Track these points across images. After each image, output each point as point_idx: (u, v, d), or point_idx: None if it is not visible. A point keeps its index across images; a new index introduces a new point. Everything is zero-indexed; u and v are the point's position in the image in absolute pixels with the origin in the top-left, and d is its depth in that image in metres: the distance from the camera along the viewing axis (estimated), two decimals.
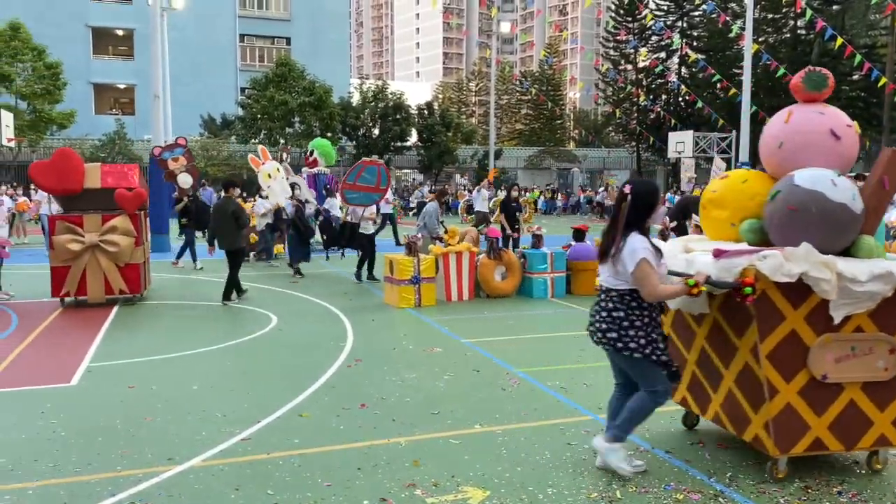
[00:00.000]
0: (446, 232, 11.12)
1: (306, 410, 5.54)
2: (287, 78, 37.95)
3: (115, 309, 9.80)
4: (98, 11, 45.88)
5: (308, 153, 18.46)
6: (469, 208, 27.88)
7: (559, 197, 40.55)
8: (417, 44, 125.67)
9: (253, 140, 38.05)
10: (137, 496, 4.05)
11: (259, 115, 37.30)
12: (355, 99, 42.61)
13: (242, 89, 45.78)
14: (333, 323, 8.99)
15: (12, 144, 30.87)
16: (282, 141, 38.01)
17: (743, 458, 4.59)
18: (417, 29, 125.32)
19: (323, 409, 5.56)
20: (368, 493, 4.09)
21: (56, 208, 14.46)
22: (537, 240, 11.22)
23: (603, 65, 47.82)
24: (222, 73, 48.14)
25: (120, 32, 46.98)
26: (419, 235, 11.73)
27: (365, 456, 4.62)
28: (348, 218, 12.81)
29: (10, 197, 21.12)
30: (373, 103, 41.14)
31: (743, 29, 27.64)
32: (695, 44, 43.94)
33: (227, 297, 10.31)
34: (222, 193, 10.76)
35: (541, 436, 4.99)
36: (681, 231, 12.83)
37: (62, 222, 9.79)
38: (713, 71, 33.65)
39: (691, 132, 35.62)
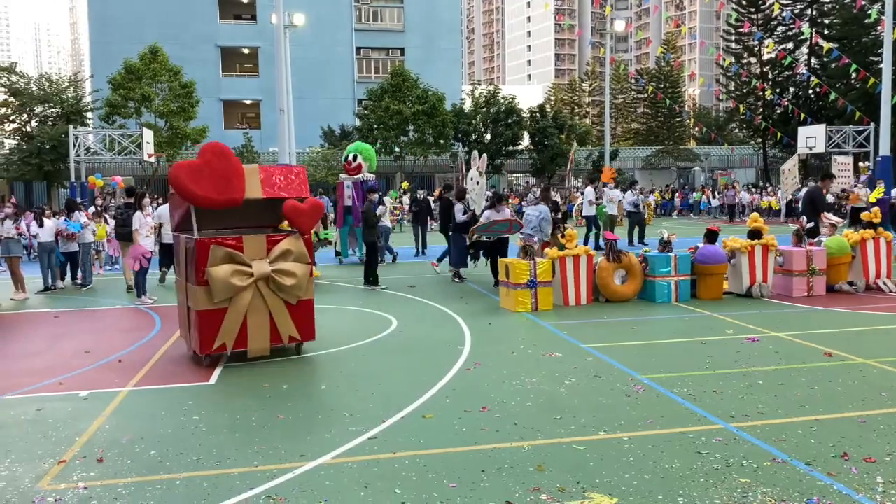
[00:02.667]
0: (563, 235, 10.97)
1: (429, 412, 5.62)
2: (401, 87, 38.88)
3: None
4: (226, 32, 48.80)
5: (351, 158, 16.44)
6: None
7: (676, 197, 39.15)
8: (528, 47, 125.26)
9: None
10: (273, 490, 4.24)
11: (375, 125, 38.37)
12: (467, 105, 43.00)
13: (359, 100, 47.28)
14: (451, 326, 9.08)
15: (152, 160, 33.39)
16: (397, 149, 38.90)
17: (895, 473, 4.25)
18: (528, 32, 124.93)
19: (445, 411, 5.62)
20: (494, 495, 4.10)
21: (166, 231, 13.42)
22: (665, 246, 10.85)
23: (725, 59, 45.76)
24: (340, 85, 49.95)
25: (246, 51, 49.74)
26: (535, 239, 11.66)
27: (489, 459, 4.63)
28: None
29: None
30: (484, 108, 41.37)
31: (882, 13, 25.71)
32: (826, 32, 41.29)
33: (366, 282, 12.41)
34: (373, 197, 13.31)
35: (669, 444, 4.82)
36: (813, 230, 12.07)
37: (218, 247, 6.95)
38: (848, 60, 31.46)
39: (823, 126, 33.50)
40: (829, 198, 13.93)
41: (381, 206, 14.92)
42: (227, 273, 6.93)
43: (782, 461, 4.50)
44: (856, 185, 25.29)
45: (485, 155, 15.21)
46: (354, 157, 16.19)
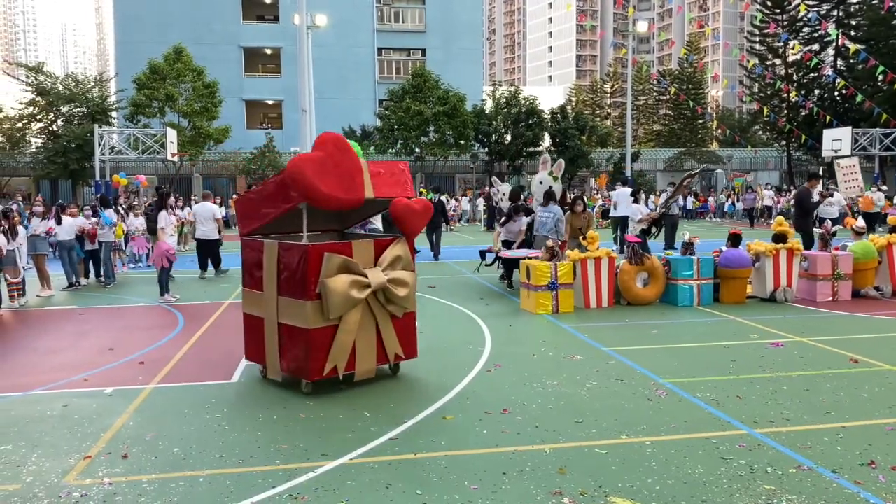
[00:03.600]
0: (584, 238, 10.91)
1: (449, 413, 5.62)
2: (422, 88, 38.92)
3: None
4: (249, 33, 49.19)
5: None
6: (604, 213, 27.22)
7: (695, 200, 38.76)
8: (550, 47, 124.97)
9: (390, 150, 39.34)
10: (295, 489, 4.26)
11: (396, 126, 38.46)
12: (488, 106, 42.96)
13: (380, 101, 47.43)
14: (471, 327, 9.08)
15: (176, 159, 33.74)
16: (417, 150, 38.98)
17: None
18: (550, 33, 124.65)
19: (466, 413, 5.61)
20: (515, 498, 4.09)
21: (202, 229, 14.72)
22: (687, 248, 10.77)
23: (749, 61, 45.30)
24: (362, 86, 50.14)
25: (268, 51, 50.10)
26: (558, 241, 11.61)
27: (510, 461, 4.62)
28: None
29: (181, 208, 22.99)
30: (505, 109, 41.30)
31: None
32: (853, 33, 40.75)
33: None
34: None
35: (692, 449, 4.78)
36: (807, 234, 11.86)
37: (334, 256, 6.02)
38: (875, 62, 31.01)
39: (849, 129, 33.05)
40: (815, 197, 13.68)
41: None
42: (346, 285, 5.98)
43: (808, 468, 4.45)
44: (871, 189, 24.74)
45: (561, 161, 14.20)
46: None
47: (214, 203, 15.38)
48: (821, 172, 32.74)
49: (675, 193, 15.61)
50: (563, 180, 43.68)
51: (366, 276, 6.12)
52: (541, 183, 13.54)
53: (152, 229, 13.48)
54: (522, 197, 14.31)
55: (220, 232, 14.70)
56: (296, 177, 5.93)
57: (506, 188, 15.77)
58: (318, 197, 5.97)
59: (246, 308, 6.76)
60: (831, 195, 18.03)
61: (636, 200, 15.85)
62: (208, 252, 14.58)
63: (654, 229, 13.28)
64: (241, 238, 6.81)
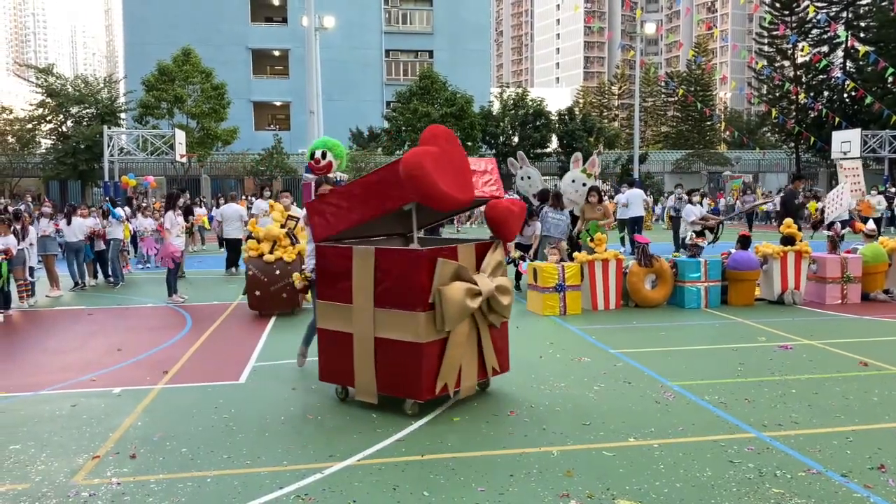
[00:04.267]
0: (593, 239, 10.90)
1: (456, 415, 5.61)
2: (430, 90, 38.96)
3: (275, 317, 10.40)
4: (257, 34, 49.32)
5: (319, 155, 15.44)
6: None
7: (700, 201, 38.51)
8: (557, 49, 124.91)
9: (398, 151, 39.38)
10: (302, 490, 4.26)
11: (404, 127, 38.50)
12: (495, 107, 42.95)
13: (388, 102, 47.49)
14: None
15: (184, 160, 33.86)
16: None
17: None
18: (558, 34, 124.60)
19: (473, 415, 5.60)
20: (522, 500, 4.08)
21: (227, 229, 15.16)
22: (692, 249, 10.74)
23: (757, 62, 45.15)
24: (369, 87, 50.19)
25: (276, 53, 50.22)
26: (563, 242, 11.61)
27: (517, 463, 4.61)
28: None
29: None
30: (513, 111, 41.30)
31: None
32: (862, 35, 40.56)
33: None
34: None
35: (700, 452, 4.76)
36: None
37: (447, 262, 5.50)
38: (885, 64, 30.86)
39: (859, 130, 32.89)
40: (800, 198, 13.59)
41: None
42: (462, 293, 5.44)
43: (817, 472, 4.42)
44: (872, 193, 24.41)
45: (595, 158, 13.60)
46: (323, 155, 14.50)
47: (241, 204, 16.16)
48: (823, 174, 32.52)
49: (753, 207, 15.37)
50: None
51: (476, 284, 5.60)
52: (573, 181, 13.23)
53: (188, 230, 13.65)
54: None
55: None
56: (415, 173, 5.21)
57: (535, 174, 14.91)
58: (437, 195, 5.29)
59: (324, 323, 5.96)
60: (816, 196, 17.92)
61: (691, 202, 15.35)
62: (235, 251, 15.09)
63: (708, 233, 13.14)
64: (316, 244, 6.11)
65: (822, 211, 21.89)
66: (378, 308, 5.55)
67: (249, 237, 10.95)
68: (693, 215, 14.27)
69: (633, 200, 17.68)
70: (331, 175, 13.50)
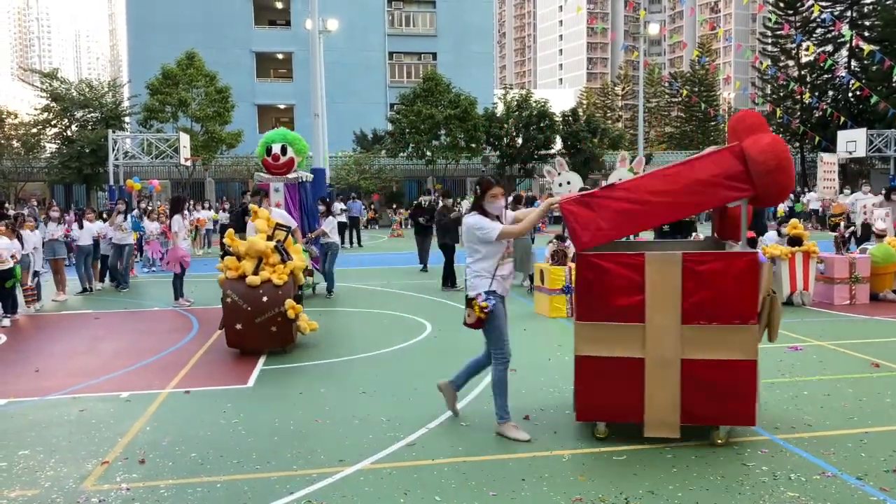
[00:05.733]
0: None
1: (466, 418, 5.58)
2: (433, 92, 38.92)
3: None
4: (261, 38, 49.37)
5: (277, 150, 11.71)
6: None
7: None
8: (560, 51, 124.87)
9: (401, 153, 39.38)
10: (313, 495, 4.23)
11: (407, 129, 38.47)
12: (499, 109, 42.90)
13: (391, 105, 47.47)
14: None
15: (189, 163, 33.89)
16: (428, 153, 38.91)
17: None
18: (560, 36, 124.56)
19: (483, 418, 5.57)
20: None
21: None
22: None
23: (761, 62, 45.05)
24: (373, 90, 50.19)
25: (280, 56, 50.25)
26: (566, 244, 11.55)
27: (528, 467, 4.57)
28: None
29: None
30: (516, 112, 41.24)
31: None
32: (867, 34, 40.45)
33: (444, 285, 12.72)
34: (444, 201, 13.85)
35: (714, 455, 4.72)
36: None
37: (768, 264, 5.18)
38: (890, 63, 30.75)
39: (864, 130, 32.79)
40: None
41: (331, 217, 12.59)
42: (777, 300, 5.08)
43: (832, 475, 4.38)
44: (845, 193, 24.01)
45: (641, 157, 13.74)
46: (283, 150, 11.66)
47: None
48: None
49: None
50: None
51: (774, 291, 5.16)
52: (619, 180, 13.20)
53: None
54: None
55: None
56: (783, 163, 4.71)
57: (575, 178, 14.52)
58: (790, 187, 4.96)
59: (590, 349, 4.96)
60: (803, 193, 17.73)
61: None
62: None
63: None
64: (580, 254, 5.00)
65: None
66: (687, 325, 4.80)
67: (226, 253, 8.51)
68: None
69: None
70: (292, 175, 11.62)
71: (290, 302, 7.69)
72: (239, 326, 7.68)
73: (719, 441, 4.89)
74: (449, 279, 12.89)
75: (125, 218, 14.08)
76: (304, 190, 12.47)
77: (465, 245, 5.32)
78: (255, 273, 7.78)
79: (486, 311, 4.98)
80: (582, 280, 5.01)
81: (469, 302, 5.10)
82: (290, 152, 11.71)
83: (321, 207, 12.54)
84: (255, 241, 7.89)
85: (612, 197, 4.97)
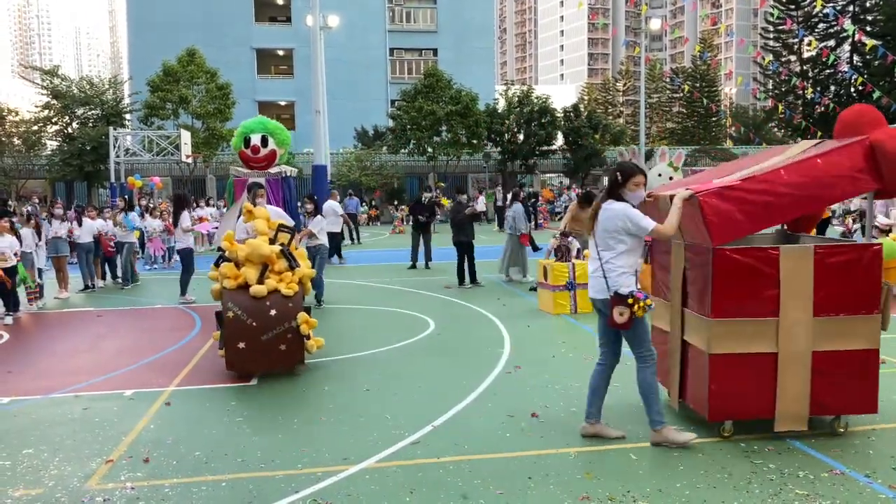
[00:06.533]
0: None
1: (471, 416, 5.56)
2: (435, 88, 38.85)
3: None
4: (261, 34, 49.29)
5: (258, 142, 10.54)
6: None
7: None
8: (561, 46, 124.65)
9: (402, 150, 39.31)
10: (318, 494, 4.21)
11: (408, 126, 38.42)
12: (500, 105, 42.82)
13: (392, 101, 47.40)
14: (489, 328, 9.01)
15: (190, 160, 33.86)
16: (430, 150, 38.87)
17: None
18: (562, 31, 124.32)
19: (488, 416, 5.55)
20: (541, 503, 4.02)
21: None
22: None
23: (763, 57, 44.93)
24: (374, 86, 50.12)
25: (281, 53, 50.19)
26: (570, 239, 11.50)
27: (535, 465, 4.55)
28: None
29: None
30: (518, 108, 41.17)
31: None
32: (869, 29, 40.34)
33: (462, 282, 12.65)
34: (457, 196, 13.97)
35: (721, 453, 4.69)
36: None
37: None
38: (893, 58, 30.65)
39: None
40: None
41: (319, 217, 11.41)
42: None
43: (840, 473, 4.35)
44: None
45: (681, 151, 13.34)
46: (264, 142, 10.51)
47: (335, 200, 16.79)
48: None
49: None
50: (577, 179, 43.23)
51: None
52: (660, 175, 12.83)
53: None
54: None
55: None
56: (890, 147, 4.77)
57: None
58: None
59: (727, 346, 4.82)
60: None
61: None
62: (333, 245, 15.43)
63: None
64: (717, 248, 4.76)
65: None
66: (818, 317, 4.82)
67: (222, 259, 7.29)
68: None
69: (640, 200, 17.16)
70: (273, 169, 10.53)
71: (303, 315, 6.65)
72: (242, 345, 6.59)
73: (841, 430, 4.96)
74: (470, 276, 12.72)
75: (125, 216, 14.07)
76: (288, 186, 11.07)
77: (599, 236, 4.84)
78: (260, 282, 6.75)
79: (648, 310, 4.74)
80: (719, 275, 4.79)
81: (622, 300, 4.68)
82: (272, 144, 10.50)
83: (309, 206, 11.35)
84: (258, 245, 6.86)
85: (749, 189, 4.82)
